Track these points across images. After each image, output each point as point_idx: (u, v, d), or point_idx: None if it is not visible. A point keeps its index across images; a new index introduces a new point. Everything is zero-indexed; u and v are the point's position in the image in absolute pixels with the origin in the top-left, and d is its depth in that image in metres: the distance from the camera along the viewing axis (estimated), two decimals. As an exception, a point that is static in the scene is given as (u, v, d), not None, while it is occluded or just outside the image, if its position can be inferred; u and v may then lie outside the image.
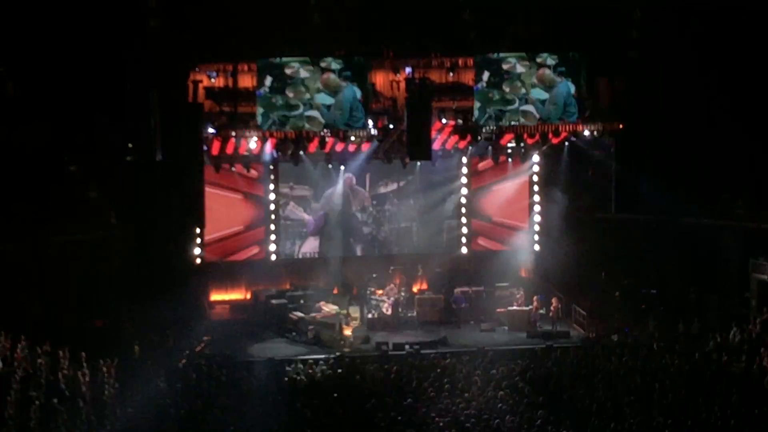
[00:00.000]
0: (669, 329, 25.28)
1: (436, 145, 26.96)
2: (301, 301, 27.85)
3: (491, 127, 26.18)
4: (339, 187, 29.98)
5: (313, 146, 26.47)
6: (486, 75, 25.81)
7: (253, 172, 29.32)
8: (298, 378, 21.69)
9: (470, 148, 28.78)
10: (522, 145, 28.39)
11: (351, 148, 27.37)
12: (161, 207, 26.67)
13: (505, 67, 25.78)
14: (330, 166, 28.93)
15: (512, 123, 26.10)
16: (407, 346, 24.70)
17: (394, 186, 30.56)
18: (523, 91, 25.92)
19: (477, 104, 25.94)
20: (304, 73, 25.06)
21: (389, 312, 27.38)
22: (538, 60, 25.82)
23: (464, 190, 30.79)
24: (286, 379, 21.60)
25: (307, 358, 24.13)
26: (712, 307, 26.88)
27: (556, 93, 26.01)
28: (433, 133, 25.98)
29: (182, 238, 28.27)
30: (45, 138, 25.70)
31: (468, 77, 26.93)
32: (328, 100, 25.24)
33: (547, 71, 25.89)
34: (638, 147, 28.24)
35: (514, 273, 29.97)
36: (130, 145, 26.46)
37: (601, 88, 27.27)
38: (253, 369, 22.62)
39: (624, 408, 19.04)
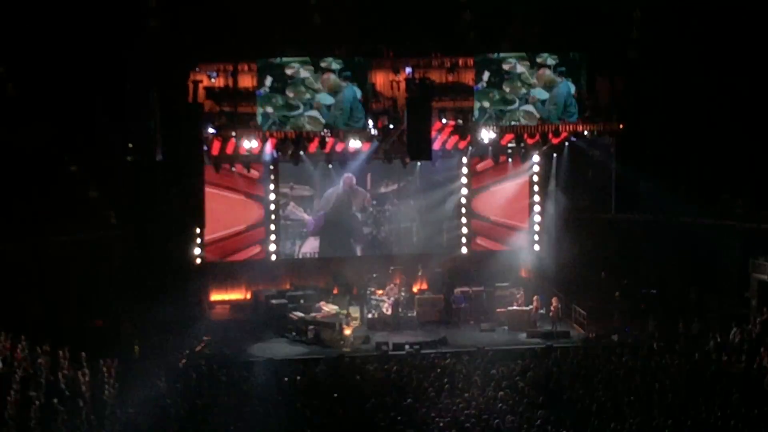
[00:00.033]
0: (669, 329, 25.27)
1: (436, 145, 26.96)
2: (301, 301, 27.85)
3: (491, 127, 26.14)
4: (339, 187, 30.00)
5: (313, 146, 26.47)
6: (486, 75, 25.79)
7: (254, 172, 29.32)
8: (298, 378, 21.68)
9: (470, 148, 28.77)
10: (522, 145, 28.38)
11: (351, 148, 27.37)
12: (161, 207, 26.69)
13: (505, 67, 25.76)
14: (330, 166, 28.93)
15: (512, 123, 26.08)
16: (407, 346, 24.70)
17: (394, 186, 30.56)
18: (523, 91, 25.90)
19: (477, 104, 25.93)
20: (304, 73, 25.05)
21: (389, 312, 27.38)
22: (538, 60, 25.80)
23: (464, 190, 30.79)
24: (286, 379, 21.58)
25: (307, 358, 24.14)
26: (712, 307, 26.88)
27: (556, 93, 25.99)
28: (433, 133, 25.97)
29: (182, 238, 28.29)
30: (45, 138, 25.72)
31: (468, 77, 26.92)
32: (329, 100, 25.23)
33: (547, 71, 25.88)
34: (638, 147, 28.25)
35: (514, 273, 29.99)
36: (130, 145, 26.49)
37: (601, 88, 27.26)
38: (253, 369, 22.61)
39: (624, 408, 19.03)
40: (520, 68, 25.80)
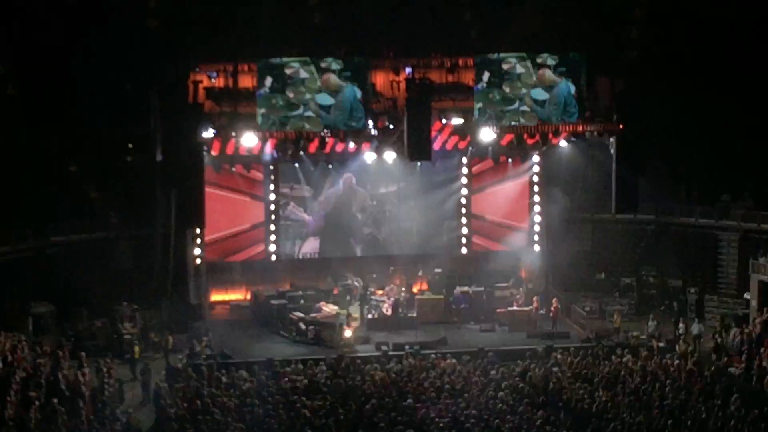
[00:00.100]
0: (669, 329, 25.28)
1: (436, 146, 26.94)
2: (301, 302, 27.82)
3: (491, 127, 26.14)
4: (339, 187, 29.99)
5: (313, 147, 26.44)
6: (486, 75, 25.77)
7: (254, 173, 29.31)
8: (298, 378, 21.67)
9: (470, 148, 28.76)
10: (522, 145, 28.36)
11: (351, 148, 27.38)
12: (161, 207, 26.68)
13: (505, 67, 25.74)
14: (330, 166, 28.91)
15: (512, 123, 26.07)
16: (407, 347, 24.68)
17: (394, 186, 30.54)
18: (524, 91, 25.87)
19: (477, 104, 25.91)
20: (304, 74, 25.03)
21: (389, 312, 27.36)
22: (538, 60, 25.78)
23: (464, 191, 30.77)
24: (286, 379, 21.58)
25: (307, 358, 24.12)
26: (712, 307, 26.89)
27: (556, 93, 25.97)
28: (433, 134, 25.96)
29: (182, 238, 28.28)
30: (45, 138, 25.74)
31: (468, 77, 26.90)
32: (329, 100, 25.20)
33: (547, 71, 25.86)
34: (638, 147, 28.25)
35: (514, 273, 29.99)
36: (130, 145, 26.52)
37: (601, 88, 27.25)
38: (254, 369, 22.60)
39: (624, 408, 19.04)
40: (520, 68, 25.78)
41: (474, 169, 30.76)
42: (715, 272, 28.26)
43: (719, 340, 23.72)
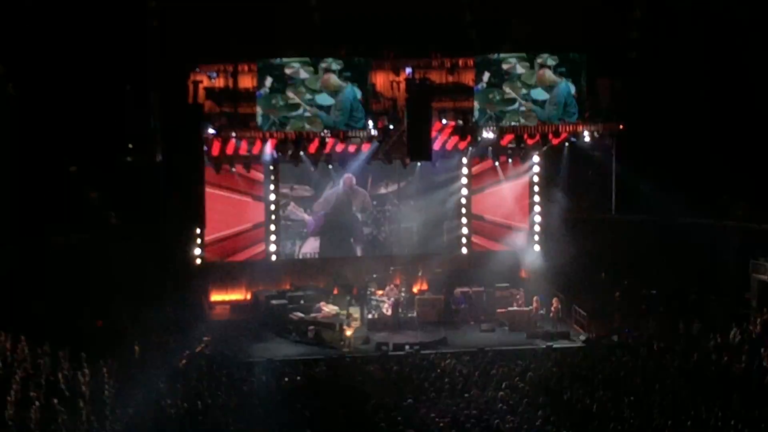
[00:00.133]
0: (669, 329, 25.27)
1: (436, 146, 26.95)
2: (301, 302, 27.85)
3: (491, 127, 26.13)
4: (339, 187, 30.00)
5: (313, 147, 26.47)
6: (486, 75, 25.77)
7: (254, 173, 29.32)
8: (298, 378, 21.67)
9: (470, 148, 28.76)
10: (522, 145, 28.38)
11: (351, 148, 27.38)
12: (161, 207, 26.66)
13: (505, 67, 25.74)
14: (330, 166, 28.93)
15: (512, 123, 26.07)
16: (407, 347, 24.70)
17: (394, 187, 30.58)
18: (524, 91, 25.88)
19: (477, 105, 25.91)
20: (304, 74, 25.03)
21: (389, 312, 27.38)
22: (539, 60, 25.77)
23: (464, 191, 30.80)
24: (286, 379, 21.58)
25: (307, 358, 24.13)
26: (712, 307, 26.88)
27: (557, 93, 25.96)
28: (433, 134, 25.96)
29: (182, 238, 28.31)
30: (45, 138, 25.71)
31: (468, 77, 26.90)
32: (329, 100, 25.20)
33: (548, 71, 25.86)
34: (638, 147, 28.23)
35: (514, 273, 30.02)
36: (130, 145, 26.49)
37: (601, 88, 27.23)
38: (254, 369, 22.60)
39: (624, 408, 19.04)
40: (520, 68, 25.77)
41: (474, 169, 30.78)
42: (715, 272, 28.22)
43: (719, 340, 23.71)
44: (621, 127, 27.02)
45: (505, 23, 26.95)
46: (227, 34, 26.02)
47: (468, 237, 30.98)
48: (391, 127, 26.39)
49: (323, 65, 25.03)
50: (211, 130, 25.87)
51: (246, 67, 26.35)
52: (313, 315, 26.92)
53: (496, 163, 30.14)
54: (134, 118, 25.21)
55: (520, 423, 18.12)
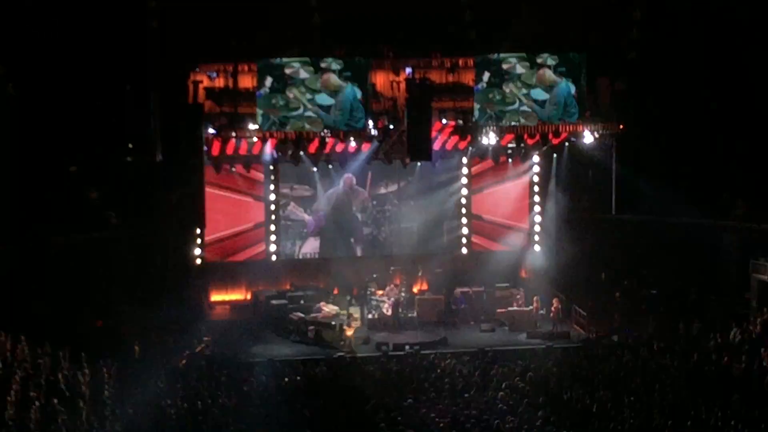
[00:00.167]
0: (669, 329, 25.27)
1: (436, 146, 26.96)
2: (302, 302, 27.85)
3: (491, 127, 26.13)
4: (339, 187, 30.01)
5: (313, 147, 26.48)
6: (486, 75, 25.78)
7: (254, 173, 29.32)
8: (298, 378, 21.68)
9: (470, 148, 28.77)
10: (522, 145, 28.39)
11: (351, 148, 27.39)
12: (161, 207, 26.68)
13: (505, 67, 25.76)
14: (330, 166, 28.93)
15: (512, 123, 26.08)
16: (407, 347, 24.70)
17: (394, 186, 30.58)
18: (524, 91, 25.89)
19: (477, 105, 25.92)
20: (304, 74, 25.04)
21: (389, 312, 27.38)
22: (538, 60, 25.79)
23: (464, 191, 30.81)
24: (286, 379, 21.58)
25: (307, 358, 24.14)
26: (712, 307, 26.87)
27: (557, 93, 25.98)
28: (433, 134, 25.97)
29: (182, 238, 28.29)
30: (45, 138, 25.70)
31: (468, 77, 26.91)
32: (329, 100, 25.21)
33: (548, 71, 25.87)
34: (638, 147, 28.24)
35: (514, 273, 30.02)
36: (130, 145, 26.48)
37: (601, 88, 27.26)
38: (254, 369, 22.61)
39: (624, 408, 19.04)
40: (520, 68, 25.79)
41: (474, 169, 30.78)
42: (715, 272, 28.22)
43: (719, 340, 23.71)
44: (621, 127, 27.03)
45: (505, 23, 26.93)
46: (227, 34, 26.02)
47: (468, 237, 30.99)
48: (391, 127, 26.41)
49: (323, 65, 25.05)
50: (211, 130, 25.88)
51: (246, 67, 26.36)
52: (313, 315, 26.92)
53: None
54: (134, 118, 25.18)
55: (520, 423, 18.11)
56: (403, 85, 26.50)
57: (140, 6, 25.84)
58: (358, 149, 27.56)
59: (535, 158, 30.74)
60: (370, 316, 27.46)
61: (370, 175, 30.14)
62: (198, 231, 28.58)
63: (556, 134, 26.80)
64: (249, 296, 29.63)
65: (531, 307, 27.25)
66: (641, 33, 28.04)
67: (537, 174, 31.00)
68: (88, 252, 26.66)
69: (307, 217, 30.23)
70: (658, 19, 27.98)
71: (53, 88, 25.44)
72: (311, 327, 26.13)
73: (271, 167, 29.57)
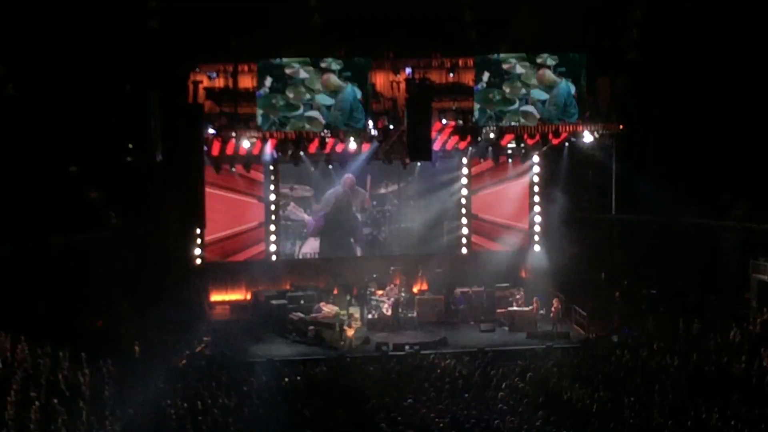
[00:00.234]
0: (669, 329, 25.27)
1: (436, 146, 26.96)
2: (302, 302, 27.85)
3: (491, 127, 26.15)
4: (339, 187, 30.00)
5: (313, 147, 26.48)
6: (486, 75, 25.78)
7: (254, 173, 29.32)
8: (298, 378, 21.68)
9: (470, 148, 28.77)
10: (522, 145, 28.40)
11: (351, 148, 27.39)
12: (161, 207, 26.68)
13: (505, 67, 25.75)
14: (330, 166, 28.93)
15: (512, 123, 26.08)
16: (407, 347, 24.70)
17: (394, 186, 30.58)
18: (524, 91, 25.89)
19: (477, 105, 25.92)
20: (304, 74, 25.04)
21: (389, 312, 27.37)
22: (538, 60, 25.79)
23: (464, 191, 30.80)
24: (286, 379, 21.58)
25: (307, 358, 24.14)
26: (712, 307, 26.88)
27: (557, 93, 25.97)
28: (434, 134, 25.97)
29: (182, 238, 28.30)
30: (45, 138, 25.71)
31: (468, 77, 26.93)
32: (329, 100, 25.21)
33: (548, 71, 25.87)
34: (638, 147, 28.25)
35: (514, 273, 30.02)
36: (130, 145, 26.50)
37: (601, 88, 27.25)
38: (254, 369, 22.61)
39: (624, 408, 19.04)
40: (520, 68, 25.79)
41: (474, 169, 30.78)
42: (715, 272, 28.22)
43: (719, 340, 23.71)
44: (621, 127, 27.04)
45: (505, 23, 26.95)
46: (227, 34, 26.04)
47: (468, 237, 30.99)
48: (391, 127, 26.41)
49: (323, 65, 25.05)
50: (211, 130, 25.88)
51: (246, 67, 26.38)
52: (313, 315, 26.92)
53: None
54: (134, 118, 25.20)
55: (520, 423, 18.11)
56: (403, 85, 26.51)
57: (140, 6, 25.85)
58: (358, 149, 27.55)
59: (535, 158, 30.73)
60: (370, 316, 27.46)
61: (370, 175, 30.13)
62: (198, 231, 28.58)
63: (556, 134, 26.80)
64: (249, 296, 29.63)
65: (531, 307, 27.24)
66: (641, 33, 28.06)
67: (537, 174, 30.99)
68: (88, 252, 26.66)
69: (307, 217, 30.22)
70: (658, 19, 27.99)
71: (53, 88, 25.44)
72: (311, 327, 26.13)
73: (271, 167, 29.57)
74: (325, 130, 25.41)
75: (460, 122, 26.70)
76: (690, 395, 19.78)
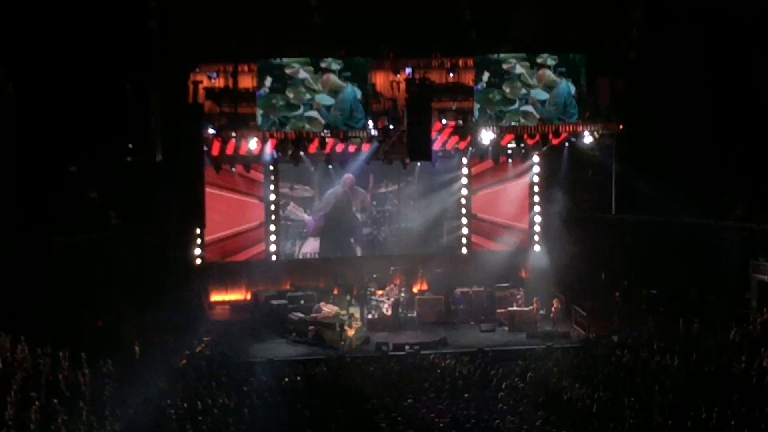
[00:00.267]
0: (669, 329, 25.27)
1: (436, 146, 26.96)
2: (302, 302, 27.85)
3: (491, 127, 26.15)
4: (339, 187, 30.00)
5: (313, 147, 26.47)
6: (486, 75, 25.78)
7: (254, 173, 29.32)
8: (298, 378, 21.68)
9: (470, 148, 28.77)
10: (522, 145, 28.39)
11: (351, 148, 27.40)
12: (161, 207, 26.68)
13: (505, 67, 25.75)
14: (330, 166, 28.92)
15: (512, 123, 26.08)
16: (407, 347, 24.70)
17: (394, 187, 30.58)
18: (524, 91, 25.89)
19: (477, 105, 25.92)
20: (304, 74, 25.04)
21: (389, 312, 27.38)
22: (538, 60, 25.79)
23: (464, 191, 30.79)
24: (286, 379, 21.58)
25: (307, 358, 24.15)
26: (712, 307, 26.88)
27: (557, 93, 25.97)
28: (434, 134, 25.97)
29: (182, 238, 28.30)
30: (45, 138, 25.71)
31: (468, 77, 26.93)
32: (329, 100, 25.21)
33: (548, 71, 25.87)
34: (638, 147, 28.24)
35: (514, 273, 30.02)
36: (130, 145, 26.50)
37: (601, 88, 27.26)
38: (254, 369, 22.61)
39: (624, 408, 19.04)
40: (520, 68, 25.78)
41: (474, 169, 30.78)
42: (715, 272, 28.22)
43: (719, 340, 23.71)
44: (621, 127, 27.03)
45: (505, 23, 26.96)
46: (227, 34, 26.05)
47: (468, 237, 30.98)
48: (391, 127, 26.40)
49: (323, 65, 25.05)
50: (211, 130, 25.88)
51: (246, 67, 26.38)
52: (313, 315, 26.92)
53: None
54: (134, 118, 25.21)
55: (520, 423, 18.11)
56: (403, 85, 26.52)
57: (140, 6, 25.86)
58: (358, 149, 27.56)
59: (535, 158, 30.72)
60: (370, 316, 27.46)
61: (371, 175, 30.13)
62: (198, 231, 28.58)
63: (556, 134, 26.79)
64: (249, 296, 29.63)
65: (531, 307, 27.24)
66: (641, 33, 28.06)
67: (537, 174, 30.99)
68: (88, 252, 26.66)
69: (307, 217, 30.22)
70: (658, 19, 28.00)
71: (53, 88, 25.44)
72: (311, 327, 26.13)
73: (271, 167, 29.56)
74: (325, 130, 25.41)
75: (460, 122, 26.71)
76: (690, 395, 19.78)
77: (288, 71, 25.00)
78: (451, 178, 30.67)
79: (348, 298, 28.39)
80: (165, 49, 25.50)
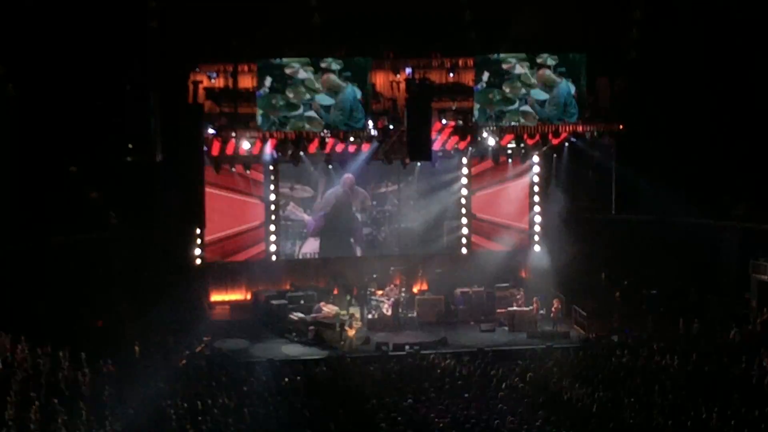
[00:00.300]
0: (669, 329, 25.27)
1: (436, 146, 26.95)
2: (302, 302, 27.84)
3: (491, 128, 26.16)
4: (339, 187, 29.99)
5: (313, 147, 26.45)
6: (486, 75, 25.77)
7: (254, 173, 29.32)
8: (298, 378, 21.68)
9: (470, 148, 28.77)
10: (522, 145, 28.38)
11: (351, 148, 27.39)
12: (161, 207, 26.67)
13: (505, 67, 25.74)
14: (330, 166, 28.92)
15: (512, 123, 26.08)
16: (407, 347, 24.70)
17: (394, 187, 30.56)
18: (523, 91, 25.87)
19: (477, 105, 25.91)
20: (304, 74, 25.02)
21: (389, 312, 27.37)
22: (538, 60, 25.78)
23: (464, 191, 30.78)
24: (286, 379, 21.59)
25: (307, 358, 24.15)
26: (712, 307, 26.89)
27: (556, 93, 25.96)
28: (433, 134, 25.96)
29: (182, 238, 28.28)
30: (45, 138, 25.72)
31: (468, 77, 26.91)
32: (329, 100, 25.20)
33: (547, 71, 25.86)
34: (638, 147, 28.23)
35: (514, 273, 30.01)
36: (130, 145, 26.49)
37: (601, 88, 27.25)
38: (254, 369, 22.61)
39: (624, 408, 19.04)
40: (520, 68, 25.77)
41: (474, 169, 30.77)
42: (715, 272, 28.23)
43: (719, 340, 23.70)
44: (621, 127, 27.01)
45: (505, 23, 26.96)
46: (227, 34, 26.04)
47: (468, 237, 30.97)
48: (391, 127, 26.39)
49: (323, 65, 25.03)
50: (211, 130, 25.88)
51: (246, 67, 26.35)
52: (313, 315, 26.91)
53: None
54: (134, 118, 25.20)
55: (520, 423, 18.12)
56: (403, 85, 26.49)
57: (140, 6, 25.86)
58: (358, 149, 27.55)
59: (535, 158, 30.70)
60: (370, 316, 27.46)
61: (371, 175, 30.11)
62: (198, 231, 28.57)
63: (556, 134, 26.78)
64: (249, 296, 29.63)
65: (531, 307, 27.24)
66: (641, 33, 28.06)
67: (537, 174, 30.96)
68: (88, 252, 26.67)
69: (307, 217, 30.21)
70: (658, 19, 28.00)
71: (53, 88, 25.44)
72: (311, 327, 26.13)
73: (271, 167, 29.55)
74: (325, 130, 25.40)
75: (460, 122, 26.69)
76: (690, 395, 19.79)
77: (288, 71, 24.99)
78: (451, 178, 30.64)
79: (348, 298, 28.39)
80: (165, 49, 25.49)
